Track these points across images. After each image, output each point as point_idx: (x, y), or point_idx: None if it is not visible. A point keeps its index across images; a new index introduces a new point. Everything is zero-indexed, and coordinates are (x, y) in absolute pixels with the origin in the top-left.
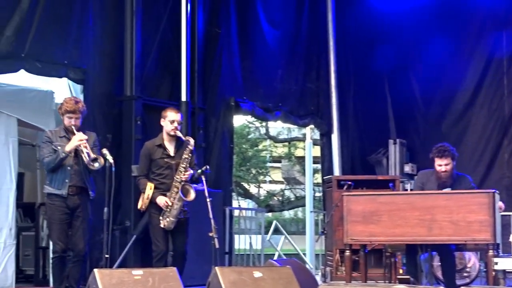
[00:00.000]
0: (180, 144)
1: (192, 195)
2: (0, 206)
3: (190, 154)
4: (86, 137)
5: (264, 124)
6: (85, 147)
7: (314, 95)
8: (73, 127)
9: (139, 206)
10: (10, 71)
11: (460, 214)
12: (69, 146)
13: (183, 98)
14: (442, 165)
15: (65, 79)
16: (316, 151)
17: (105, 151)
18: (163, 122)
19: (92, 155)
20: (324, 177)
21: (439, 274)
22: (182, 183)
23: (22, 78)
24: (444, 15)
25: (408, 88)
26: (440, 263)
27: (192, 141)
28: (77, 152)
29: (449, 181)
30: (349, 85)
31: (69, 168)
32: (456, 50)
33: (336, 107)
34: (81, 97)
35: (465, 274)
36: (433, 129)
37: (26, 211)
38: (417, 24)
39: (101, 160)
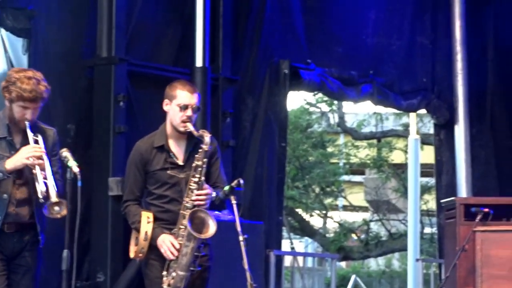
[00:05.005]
0: (195, 144)
1: (211, 229)
2: None
3: (205, 159)
4: (43, 151)
5: (336, 107)
6: (42, 169)
7: (428, 57)
8: (26, 122)
9: (132, 254)
10: None
11: None
12: (13, 163)
13: (199, 62)
14: None
15: None
16: (427, 155)
17: (65, 153)
18: (167, 106)
19: (53, 196)
20: (442, 201)
21: None
22: (193, 209)
23: None
24: None
25: None
26: None
27: (207, 137)
28: (23, 170)
29: None
30: (486, 45)
31: (5, 196)
32: None
33: (463, 79)
34: (24, 59)
35: None
36: None
37: None
38: None
39: (64, 208)
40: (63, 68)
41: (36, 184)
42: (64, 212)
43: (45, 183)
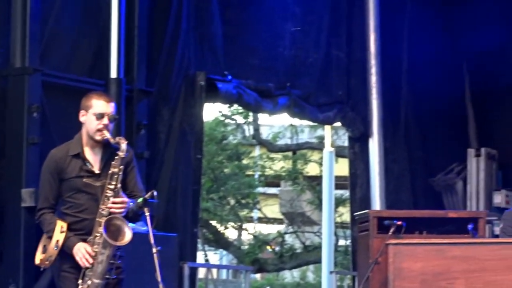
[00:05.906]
0: (111, 153)
1: (127, 236)
2: None
3: (121, 166)
4: None
5: (251, 119)
6: None
7: (343, 70)
8: None
9: (38, 261)
10: None
11: None
12: None
13: (113, 73)
14: None
15: None
16: (342, 167)
17: None
18: (84, 117)
19: None
20: (356, 213)
21: None
22: (109, 216)
23: None
24: None
25: (502, 71)
26: None
27: (124, 144)
28: None
29: None
30: (400, 57)
31: None
32: None
33: (377, 93)
34: None
35: None
36: None
37: None
38: None
39: None
40: None
41: None
42: None
43: None
